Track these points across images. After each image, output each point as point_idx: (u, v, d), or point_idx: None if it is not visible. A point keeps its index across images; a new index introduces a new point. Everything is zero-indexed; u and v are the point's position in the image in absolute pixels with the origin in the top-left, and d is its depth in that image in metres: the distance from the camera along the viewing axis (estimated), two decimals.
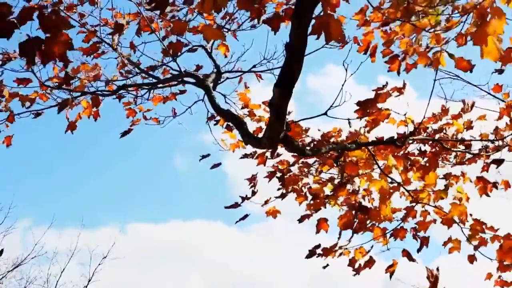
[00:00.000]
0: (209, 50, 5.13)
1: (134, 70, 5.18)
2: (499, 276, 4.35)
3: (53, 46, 2.19)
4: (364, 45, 4.00)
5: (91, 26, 4.82)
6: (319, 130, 4.84)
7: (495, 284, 4.40)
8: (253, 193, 4.94)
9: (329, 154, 4.56)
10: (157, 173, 27.11)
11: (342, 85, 3.66)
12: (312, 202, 4.82)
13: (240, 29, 5.07)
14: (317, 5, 2.75)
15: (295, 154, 4.61)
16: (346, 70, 3.67)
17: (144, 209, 25.47)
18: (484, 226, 4.28)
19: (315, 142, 4.73)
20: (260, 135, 3.89)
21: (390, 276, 4.32)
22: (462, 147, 4.85)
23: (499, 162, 4.68)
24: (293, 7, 3.56)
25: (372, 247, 4.46)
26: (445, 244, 4.42)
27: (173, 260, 22.64)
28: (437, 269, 3.68)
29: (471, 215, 4.34)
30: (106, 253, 15.74)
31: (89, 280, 15.35)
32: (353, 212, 4.48)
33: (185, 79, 5.13)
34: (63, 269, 15.39)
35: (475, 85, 4.83)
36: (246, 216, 4.84)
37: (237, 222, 4.86)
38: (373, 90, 3.98)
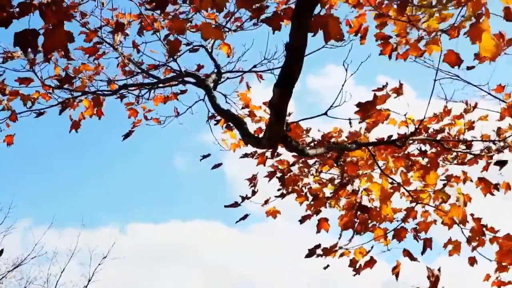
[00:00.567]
0: (210, 50, 5.14)
1: (135, 70, 5.19)
2: (497, 277, 4.34)
3: (54, 37, 2.19)
4: (355, 26, 3.92)
5: (93, 26, 4.83)
6: (319, 130, 4.84)
7: (493, 284, 4.39)
8: (253, 192, 4.94)
9: (329, 154, 4.56)
10: (157, 173, 27.15)
11: (342, 85, 3.67)
12: (312, 202, 4.82)
13: (241, 28, 5.08)
14: (317, 5, 2.75)
15: (295, 154, 4.61)
16: (346, 70, 3.67)
17: (144, 209, 25.51)
18: (484, 228, 4.27)
19: (315, 142, 4.73)
20: (261, 135, 3.89)
21: (396, 278, 4.31)
22: (463, 148, 4.84)
23: (502, 163, 4.66)
24: (292, 6, 3.56)
25: (372, 247, 4.46)
26: (445, 245, 4.42)
27: (173, 260, 22.68)
28: (439, 270, 3.68)
29: (472, 215, 4.33)
30: (106, 253, 15.77)
31: (89, 280, 15.38)
32: (354, 212, 4.48)
33: (186, 79, 5.14)
34: (63, 269, 15.43)
35: (475, 85, 4.82)
36: (246, 216, 4.84)
37: (237, 222, 4.86)
38: (372, 91, 3.98)
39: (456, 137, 4.87)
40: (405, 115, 4.32)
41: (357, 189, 4.68)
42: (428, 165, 4.53)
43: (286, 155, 4.91)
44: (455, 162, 4.93)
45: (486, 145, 4.83)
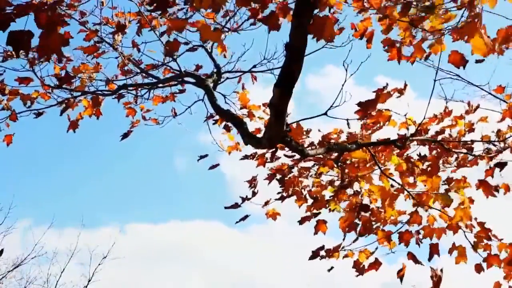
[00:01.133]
0: (209, 50, 5.12)
1: (134, 70, 5.17)
2: (510, 287, 4.27)
3: (48, 42, 2.18)
4: (360, 30, 3.90)
5: (93, 24, 4.81)
6: (319, 130, 4.82)
7: None
8: (253, 193, 4.92)
9: (329, 155, 4.54)
10: (157, 173, 27.16)
11: (342, 85, 3.66)
12: (312, 204, 4.79)
13: (240, 28, 5.06)
14: (317, 5, 2.74)
15: (294, 157, 4.61)
16: (346, 70, 3.66)
17: (144, 209, 25.49)
18: (489, 233, 4.23)
19: (315, 143, 4.71)
20: (260, 135, 3.88)
21: (401, 280, 4.26)
22: (463, 149, 4.81)
23: (502, 165, 4.64)
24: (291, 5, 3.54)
25: (376, 248, 4.44)
26: (450, 251, 4.37)
27: (173, 260, 22.67)
28: (441, 270, 3.66)
29: (475, 219, 4.30)
30: (106, 253, 15.74)
31: (89, 280, 15.36)
32: (355, 213, 4.46)
33: (185, 79, 5.12)
34: (63, 269, 15.41)
35: (476, 85, 4.80)
36: (246, 216, 4.83)
37: (237, 222, 4.85)
38: (373, 92, 3.95)
39: (457, 139, 4.84)
40: (405, 115, 4.30)
41: (358, 190, 4.66)
42: (429, 169, 4.50)
43: (285, 159, 4.90)
44: (455, 164, 4.90)
45: (487, 146, 4.81)
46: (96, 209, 24.56)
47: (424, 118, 4.01)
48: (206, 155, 5.05)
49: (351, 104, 3.80)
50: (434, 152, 4.80)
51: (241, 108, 5.09)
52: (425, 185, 4.40)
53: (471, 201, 4.43)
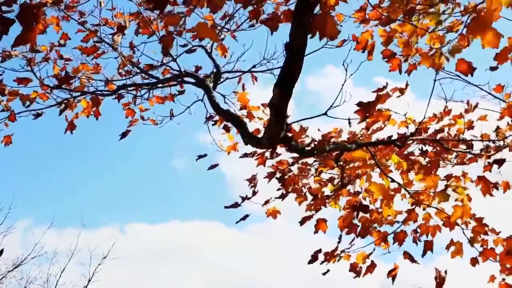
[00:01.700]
0: (209, 50, 5.12)
1: (134, 70, 5.17)
2: (503, 279, 4.31)
3: (26, 36, 2.20)
4: (362, 42, 3.95)
5: (92, 25, 4.81)
6: (319, 130, 4.83)
7: (500, 287, 4.36)
8: (254, 193, 4.92)
9: (329, 154, 4.54)
10: (156, 174, 27.18)
11: (342, 85, 3.66)
12: (312, 202, 4.80)
13: (239, 29, 5.06)
14: (317, 4, 2.74)
15: (294, 155, 4.60)
16: (346, 70, 3.66)
17: (144, 209, 25.52)
18: (486, 228, 4.26)
19: (315, 142, 4.71)
20: (259, 135, 3.88)
21: (393, 281, 4.30)
22: (463, 147, 4.83)
23: (500, 162, 4.66)
24: (291, 7, 3.55)
25: (374, 249, 4.45)
26: (447, 247, 4.39)
27: (173, 260, 22.68)
28: (445, 272, 3.68)
29: (474, 215, 4.32)
30: (106, 253, 15.78)
31: (89, 280, 15.37)
32: (354, 212, 4.47)
33: (185, 79, 5.12)
34: (63, 269, 15.42)
35: (475, 85, 4.80)
36: (246, 216, 4.82)
37: (237, 222, 4.85)
38: (373, 92, 3.95)
39: (456, 137, 4.86)
40: (405, 115, 4.31)
41: (358, 190, 4.67)
42: (429, 165, 4.52)
43: (286, 155, 4.90)
44: (454, 161, 4.92)
45: (486, 144, 4.82)
46: (96, 209, 24.60)
47: (424, 118, 4.02)
48: (205, 155, 5.05)
49: (351, 104, 3.82)
50: (434, 150, 4.81)
51: (240, 109, 5.09)
52: (422, 183, 4.41)
53: (469, 198, 4.45)
